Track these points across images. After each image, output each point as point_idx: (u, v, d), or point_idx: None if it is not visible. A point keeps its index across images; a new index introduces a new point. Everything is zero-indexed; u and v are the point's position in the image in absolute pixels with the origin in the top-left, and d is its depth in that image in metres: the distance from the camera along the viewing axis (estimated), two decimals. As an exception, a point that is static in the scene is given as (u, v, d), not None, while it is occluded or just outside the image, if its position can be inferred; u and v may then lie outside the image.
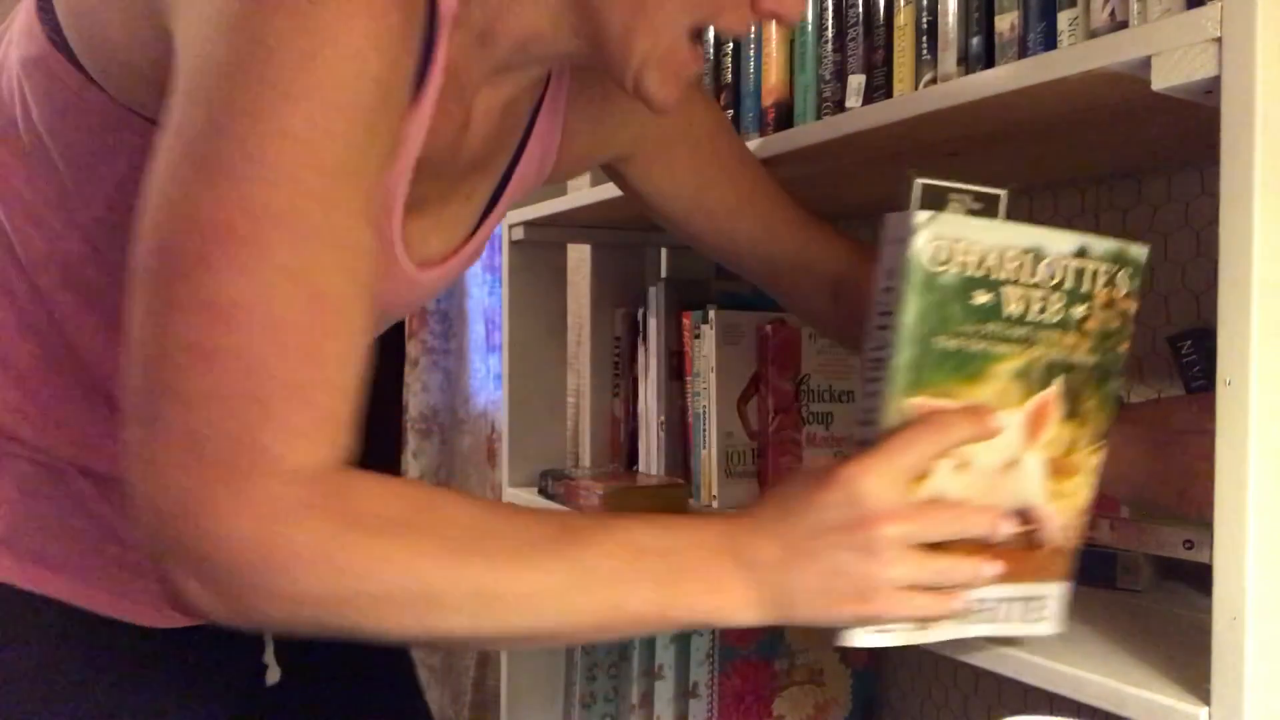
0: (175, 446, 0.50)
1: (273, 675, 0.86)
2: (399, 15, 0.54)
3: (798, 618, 0.60)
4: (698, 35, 0.70)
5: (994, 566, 0.61)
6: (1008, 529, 0.61)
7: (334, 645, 0.92)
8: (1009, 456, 0.62)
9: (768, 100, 1.13)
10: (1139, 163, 0.98)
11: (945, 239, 0.58)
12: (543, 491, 1.34)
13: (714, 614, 0.59)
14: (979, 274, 0.59)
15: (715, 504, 1.25)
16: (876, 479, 0.59)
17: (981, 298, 0.60)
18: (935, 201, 0.59)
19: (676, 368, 1.35)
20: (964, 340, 0.60)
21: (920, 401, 0.60)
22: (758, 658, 1.24)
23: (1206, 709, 0.58)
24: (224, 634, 0.79)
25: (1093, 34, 0.78)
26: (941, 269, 0.59)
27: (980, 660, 0.70)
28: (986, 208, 0.61)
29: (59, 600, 0.70)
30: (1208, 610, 0.58)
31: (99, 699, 0.71)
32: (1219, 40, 0.58)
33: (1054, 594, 0.66)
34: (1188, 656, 0.66)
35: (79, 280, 0.67)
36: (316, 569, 0.52)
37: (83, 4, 0.61)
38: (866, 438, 0.62)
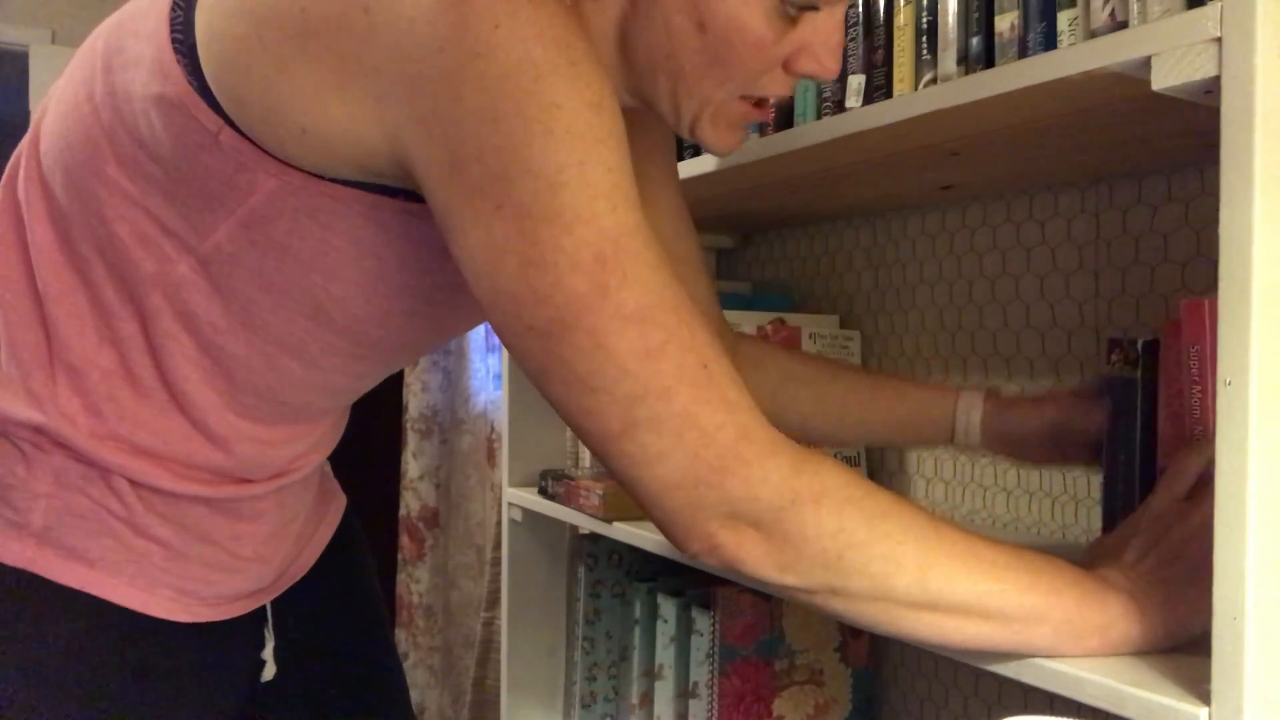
0: (684, 429, 0.60)
1: (268, 672, 0.89)
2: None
3: (1158, 632, 0.66)
4: (758, 100, 0.73)
5: None
6: None
7: (327, 647, 0.95)
8: None
9: (768, 100, 1.13)
10: (1139, 163, 0.98)
11: None
12: (543, 491, 1.34)
13: (1096, 651, 0.66)
14: None
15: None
16: (1157, 500, 0.72)
17: None
18: None
19: (676, 368, 1.35)
20: None
21: None
22: (758, 658, 1.24)
23: (1206, 709, 0.58)
24: (235, 630, 0.83)
25: (1093, 34, 0.78)
26: None
27: (980, 660, 0.70)
28: None
29: (90, 594, 0.73)
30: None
31: (119, 690, 0.74)
32: (1219, 40, 0.59)
33: None
34: (1188, 656, 0.66)
35: (182, 306, 0.70)
36: (851, 503, 0.62)
37: (242, 65, 0.63)
38: None
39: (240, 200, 0.66)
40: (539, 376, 0.63)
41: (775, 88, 0.72)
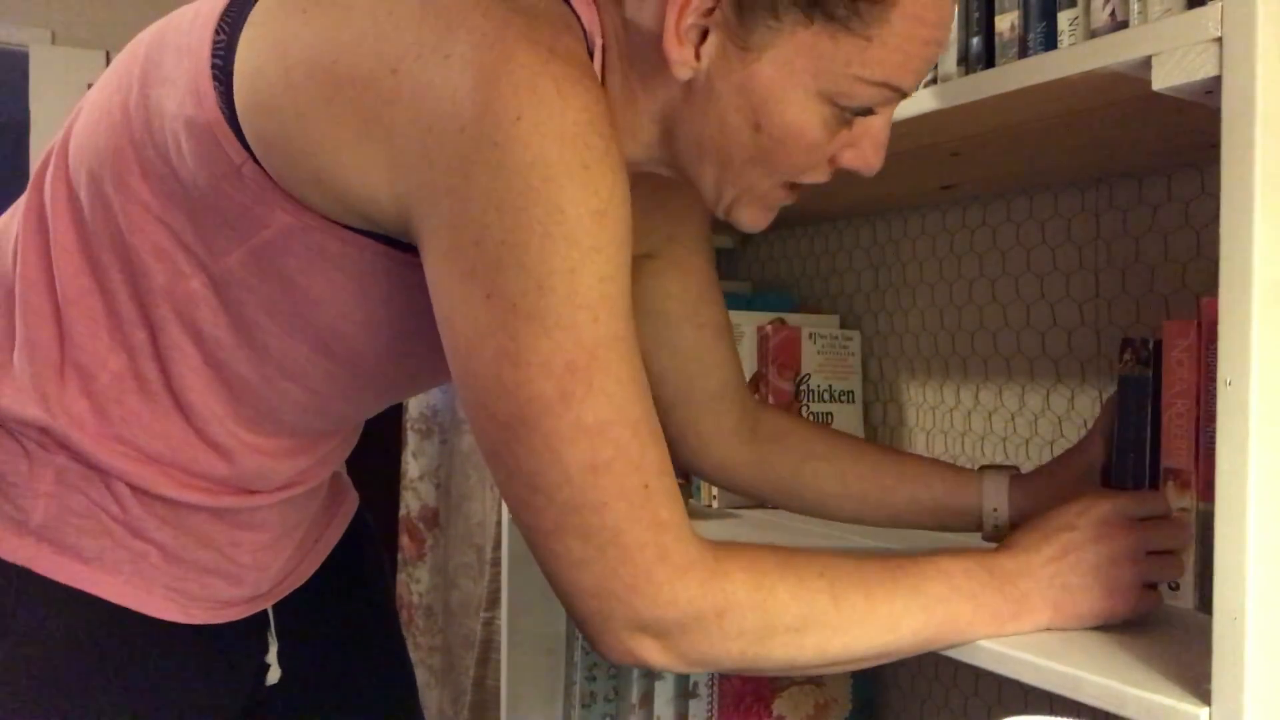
0: (608, 544, 0.63)
1: (273, 675, 0.89)
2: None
3: (1063, 619, 0.72)
4: (791, 185, 0.74)
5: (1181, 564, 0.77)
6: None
7: (333, 649, 0.95)
8: None
9: (768, 100, 1.13)
10: (1139, 163, 0.98)
11: None
12: (543, 491, 1.34)
13: (1008, 623, 0.71)
14: None
15: (715, 504, 1.25)
16: (1113, 505, 0.74)
17: None
18: None
19: (676, 368, 1.35)
20: None
21: None
22: (758, 658, 1.24)
23: (1207, 709, 0.58)
24: (235, 634, 0.83)
25: (1093, 34, 0.78)
26: None
27: (980, 660, 0.70)
28: None
29: (88, 593, 0.74)
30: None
31: (115, 688, 0.74)
32: (1219, 40, 0.59)
33: None
34: (1188, 656, 0.66)
35: (189, 320, 0.71)
36: (752, 611, 0.65)
37: (269, 108, 0.64)
38: None
39: (255, 231, 0.67)
40: (489, 458, 0.65)
41: (817, 178, 0.74)
